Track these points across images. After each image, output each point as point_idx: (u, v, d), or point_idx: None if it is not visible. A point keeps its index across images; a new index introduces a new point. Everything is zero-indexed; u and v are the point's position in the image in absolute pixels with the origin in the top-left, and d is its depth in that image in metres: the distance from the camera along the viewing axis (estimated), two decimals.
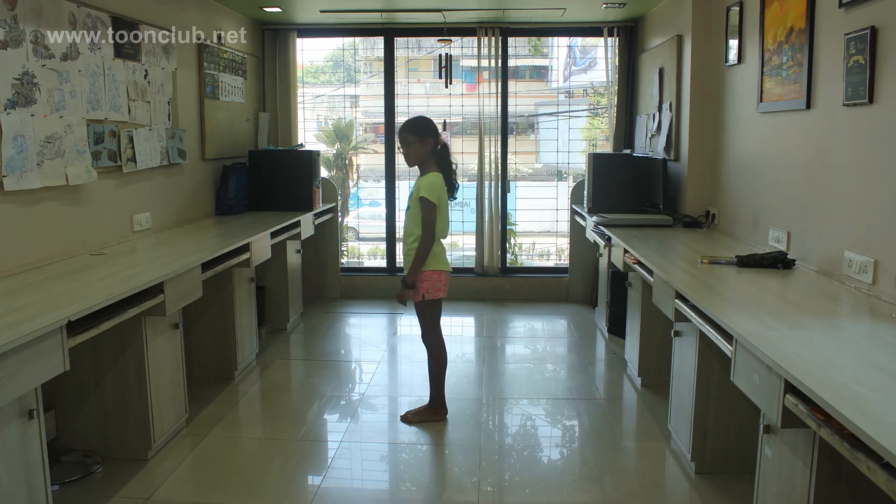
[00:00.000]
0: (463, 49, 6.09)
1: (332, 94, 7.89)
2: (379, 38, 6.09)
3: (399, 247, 6.40)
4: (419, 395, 3.91)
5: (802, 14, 3.09)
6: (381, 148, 6.42)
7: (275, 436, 3.37)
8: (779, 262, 3.05)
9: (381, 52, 6.21)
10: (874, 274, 2.56)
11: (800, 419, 1.76)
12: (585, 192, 5.20)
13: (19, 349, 2.01)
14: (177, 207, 4.38)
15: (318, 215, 5.42)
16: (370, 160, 8.07)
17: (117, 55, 3.62)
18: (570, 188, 6.07)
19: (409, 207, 3.45)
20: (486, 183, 5.96)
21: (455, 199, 3.51)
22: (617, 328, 4.61)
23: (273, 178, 5.18)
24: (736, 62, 3.89)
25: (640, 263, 3.48)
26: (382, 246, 6.53)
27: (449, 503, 2.81)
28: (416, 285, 3.38)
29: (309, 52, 6.75)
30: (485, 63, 5.84)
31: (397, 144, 3.58)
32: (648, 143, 5.25)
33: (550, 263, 6.84)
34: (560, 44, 8.06)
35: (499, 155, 5.97)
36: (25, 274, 2.88)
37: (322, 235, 5.80)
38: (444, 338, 3.53)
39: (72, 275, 2.89)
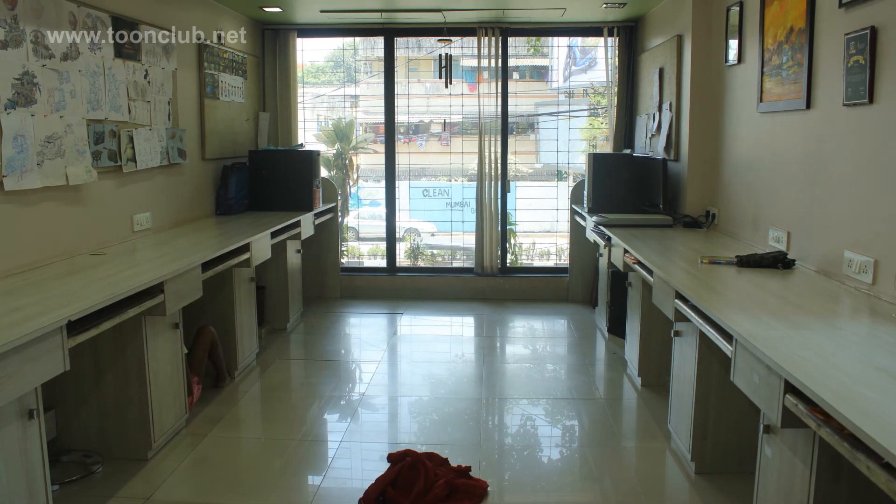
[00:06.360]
0: (463, 49, 6.09)
1: (332, 94, 7.87)
2: (379, 38, 6.09)
3: (400, 246, 6.42)
4: (419, 395, 3.91)
5: (802, 14, 3.09)
6: (382, 148, 6.41)
7: (275, 436, 3.37)
8: (779, 262, 3.05)
9: (381, 52, 6.20)
10: (874, 274, 2.56)
11: (800, 419, 1.76)
12: (585, 192, 5.19)
13: (19, 349, 2.01)
14: (177, 207, 4.38)
15: (318, 215, 5.42)
16: (370, 160, 8.05)
17: (117, 55, 3.62)
18: (570, 188, 6.07)
19: None
20: (486, 183, 5.96)
21: None
22: (617, 328, 4.61)
23: (273, 178, 5.18)
24: (736, 62, 3.89)
25: (640, 263, 3.48)
26: (382, 246, 6.52)
27: None
28: None
29: (309, 52, 6.74)
30: (485, 63, 5.84)
31: None
32: (648, 143, 5.24)
33: (550, 263, 6.84)
34: (560, 44, 8.04)
35: (499, 155, 5.97)
36: (25, 274, 2.88)
37: (322, 235, 5.80)
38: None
39: (72, 275, 2.89)
